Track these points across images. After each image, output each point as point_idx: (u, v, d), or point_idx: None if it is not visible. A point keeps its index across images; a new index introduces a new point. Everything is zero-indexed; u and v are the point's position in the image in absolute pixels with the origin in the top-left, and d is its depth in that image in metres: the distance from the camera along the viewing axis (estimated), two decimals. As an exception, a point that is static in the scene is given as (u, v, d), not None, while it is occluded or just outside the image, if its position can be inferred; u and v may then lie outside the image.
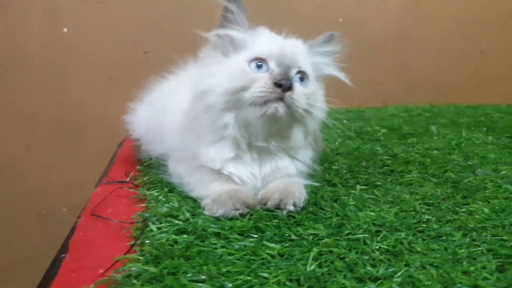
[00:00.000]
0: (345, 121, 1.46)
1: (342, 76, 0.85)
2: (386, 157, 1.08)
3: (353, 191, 0.83)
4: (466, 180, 0.92)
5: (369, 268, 0.55)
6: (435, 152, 1.14)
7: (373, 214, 0.72)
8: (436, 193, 0.85)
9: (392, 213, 0.73)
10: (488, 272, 0.55)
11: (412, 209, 0.76)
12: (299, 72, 0.77)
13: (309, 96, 0.76)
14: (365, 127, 1.38)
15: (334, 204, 0.76)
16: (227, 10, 0.78)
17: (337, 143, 1.20)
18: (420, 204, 0.78)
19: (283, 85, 0.71)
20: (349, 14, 1.73)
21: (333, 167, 0.99)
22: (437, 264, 0.57)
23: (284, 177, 0.78)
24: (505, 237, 0.66)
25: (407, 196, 0.81)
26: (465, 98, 1.87)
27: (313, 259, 0.57)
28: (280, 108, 0.71)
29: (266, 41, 0.79)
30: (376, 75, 1.81)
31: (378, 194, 0.81)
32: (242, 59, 0.76)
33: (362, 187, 0.86)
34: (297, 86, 0.74)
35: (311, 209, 0.73)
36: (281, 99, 0.71)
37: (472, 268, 0.56)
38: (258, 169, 0.78)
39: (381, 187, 0.86)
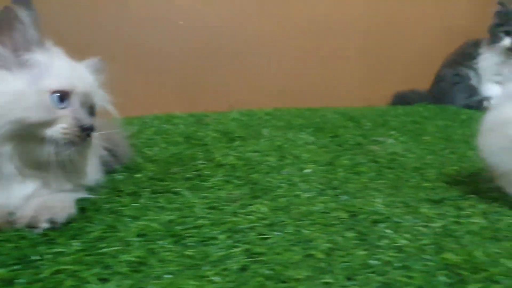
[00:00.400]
0: (181, 126, 1.44)
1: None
2: (202, 162, 1.07)
3: (141, 200, 0.80)
4: (266, 180, 0.95)
5: (99, 285, 0.52)
6: (254, 154, 1.16)
7: (144, 223, 0.69)
8: (231, 196, 0.86)
9: (165, 220, 0.71)
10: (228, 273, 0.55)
11: (192, 214, 0.75)
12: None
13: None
14: (199, 131, 1.37)
15: (109, 216, 0.72)
16: (14, 16, 0.67)
17: (157, 149, 1.16)
18: (204, 208, 0.78)
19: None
20: (191, 17, 1.73)
21: (136, 175, 0.95)
22: (176, 272, 0.55)
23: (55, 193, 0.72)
24: (268, 235, 0.69)
25: (196, 201, 0.81)
26: (313, 102, 1.98)
27: (42, 281, 0.52)
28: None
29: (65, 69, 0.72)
30: (222, 79, 1.83)
31: (164, 202, 0.79)
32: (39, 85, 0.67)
33: (153, 195, 0.83)
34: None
35: (75, 224, 0.68)
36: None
37: (211, 272, 0.55)
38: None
39: (175, 194, 0.85)
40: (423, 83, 2.32)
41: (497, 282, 0.56)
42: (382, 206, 0.83)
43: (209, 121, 1.55)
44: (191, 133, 1.35)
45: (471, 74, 2.09)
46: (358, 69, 2.19)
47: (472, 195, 0.91)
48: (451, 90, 2.13)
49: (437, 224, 0.75)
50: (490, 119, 0.86)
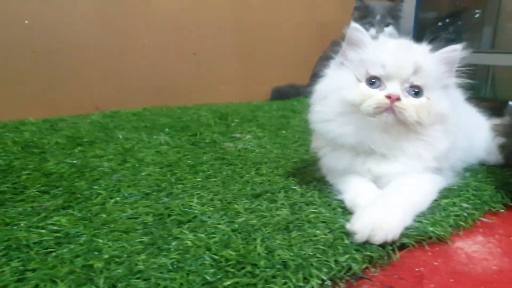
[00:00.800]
0: (27, 133, 1.34)
1: None
2: (27, 172, 1.00)
3: None
4: (90, 188, 0.91)
5: None
6: (93, 159, 1.12)
7: None
8: (38, 208, 0.81)
9: None
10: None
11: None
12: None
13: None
14: (45, 138, 1.29)
15: None
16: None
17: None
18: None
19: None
20: (35, 15, 1.60)
21: None
22: None
23: None
24: (53, 249, 0.65)
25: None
26: (184, 100, 1.95)
27: None
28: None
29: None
30: (85, 81, 1.74)
31: None
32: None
33: None
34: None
35: None
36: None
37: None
38: None
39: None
40: (304, 78, 2.41)
41: (255, 276, 0.57)
42: (198, 205, 0.83)
43: (64, 126, 1.47)
44: (34, 140, 1.26)
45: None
46: (236, 67, 2.21)
47: (295, 187, 0.94)
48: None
49: (241, 219, 0.77)
50: (322, 87, 0.89)
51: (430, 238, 0.73)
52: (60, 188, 0.91)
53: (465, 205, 0.84)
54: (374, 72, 0.82)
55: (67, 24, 1.68)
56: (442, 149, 0.84)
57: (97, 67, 1.76)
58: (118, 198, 0.87)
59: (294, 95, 2.22)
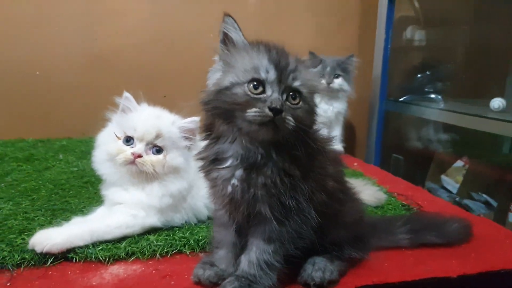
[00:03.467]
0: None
1: None
2: None
3: None
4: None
5: None
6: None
7: None
8: None
9: None
10: None
11: None
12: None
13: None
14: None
15: None
16: None
17: None
18: None
19: None
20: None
21: None
22: None
23: None
24: None
25: None
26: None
27: None
28: None
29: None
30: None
31: None
32: None
33: None
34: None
35: None
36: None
37: None
38: None
39: None
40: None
41: None
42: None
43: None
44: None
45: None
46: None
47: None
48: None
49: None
50: (99, 138, 1.16)
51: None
52: None
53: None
54: (129, 133, 1.10)
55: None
56: (173, 189, 1.10)
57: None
58: None
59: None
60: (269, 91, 0.74)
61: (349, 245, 0.94)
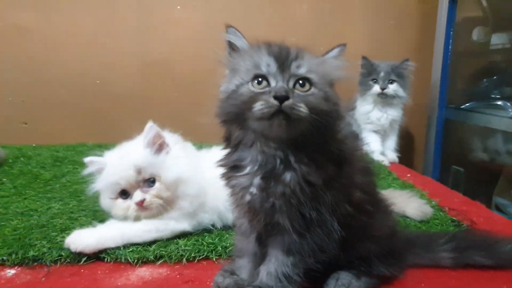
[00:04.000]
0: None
1: None
2: None
3: None
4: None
5: None
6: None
7: None
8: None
9: None
10: None
11: None
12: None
13: None
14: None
15: None
16: None
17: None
18: None
19: None
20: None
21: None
22: None
23: None
24: None
25: None
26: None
27: None
28: None
29: None
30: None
31: None
32: None
33: None
34: None
35: None
36: None
37: None
38: None
39: None
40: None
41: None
42: None
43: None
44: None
45: (353, 123, 2.25)
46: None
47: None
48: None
49: None
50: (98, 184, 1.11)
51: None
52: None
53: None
54: (117, 189, 1.07)
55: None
56: (192, 193, 1.10)
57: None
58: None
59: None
60: (273, 83, 0.71)
61: (379, 261, 0.88)
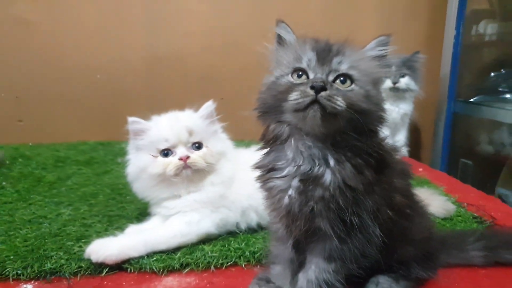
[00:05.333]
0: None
1: None
2: None
3: None
4: None
5: None
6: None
7: None
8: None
9: None
10: None
11: None
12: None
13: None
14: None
15: None
16: None
17: None
18: None
19: None
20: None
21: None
22: None
23: None
24: None
25: None
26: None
27: None
28: None
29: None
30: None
31: None
32: None
33: None
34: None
35: None
36: None
37: None
38: None
39: None
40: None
41: None
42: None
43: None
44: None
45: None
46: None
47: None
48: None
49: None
50: (131, 171, 1.12)
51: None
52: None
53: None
54: (162, 146, 1.07)
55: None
56: (227, 174, 1.12)
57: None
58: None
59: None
60: (312, 76, 0.70)
61: (417, 264, 0.86)
